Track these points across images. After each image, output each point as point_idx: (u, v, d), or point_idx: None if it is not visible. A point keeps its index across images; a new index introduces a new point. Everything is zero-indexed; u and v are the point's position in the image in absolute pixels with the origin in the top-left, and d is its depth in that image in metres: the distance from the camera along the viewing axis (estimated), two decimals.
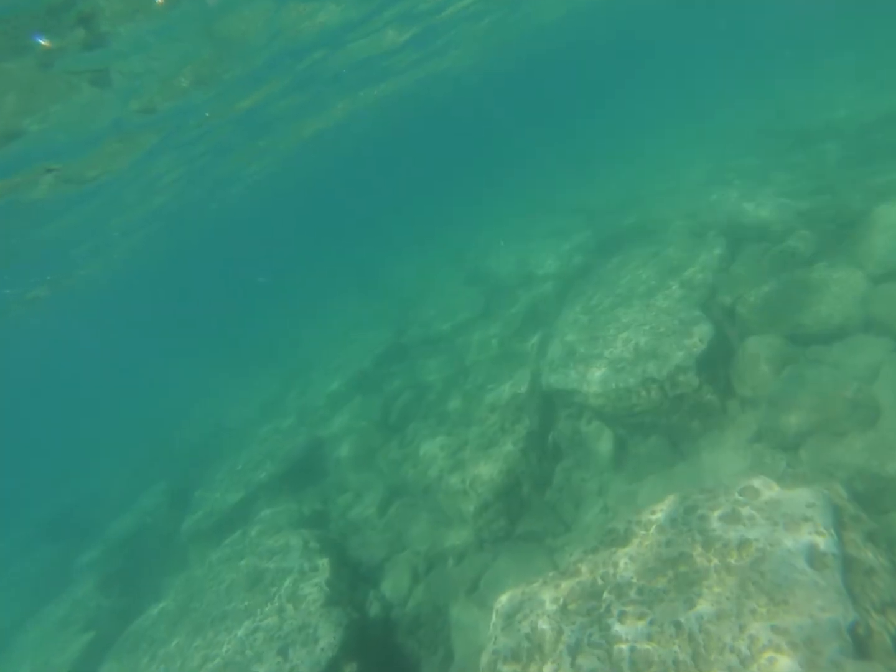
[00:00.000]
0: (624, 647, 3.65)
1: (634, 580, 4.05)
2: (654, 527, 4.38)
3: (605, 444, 7.14)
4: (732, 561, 3.75)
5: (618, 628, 3.78)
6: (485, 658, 4.30)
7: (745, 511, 4.10)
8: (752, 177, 10.92)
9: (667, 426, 6.72)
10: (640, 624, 3.72)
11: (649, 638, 3.61)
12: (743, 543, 3.83)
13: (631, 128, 25.41)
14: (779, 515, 3.95)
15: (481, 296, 12.45)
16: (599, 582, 4.21)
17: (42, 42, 6.10)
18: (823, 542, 3.68)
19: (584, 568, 4.42)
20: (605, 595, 4.07)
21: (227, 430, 14.72)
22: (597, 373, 7.14)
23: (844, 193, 8.94)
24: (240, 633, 6.29)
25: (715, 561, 3.81)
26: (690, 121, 20.28)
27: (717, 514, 4.20)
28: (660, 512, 4.65)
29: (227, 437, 14.24)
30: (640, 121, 25.71)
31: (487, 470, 7.21)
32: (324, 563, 6.95)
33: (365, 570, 7.61)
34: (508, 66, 32.52)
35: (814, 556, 3.62)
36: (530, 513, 7.08)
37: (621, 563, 4.22)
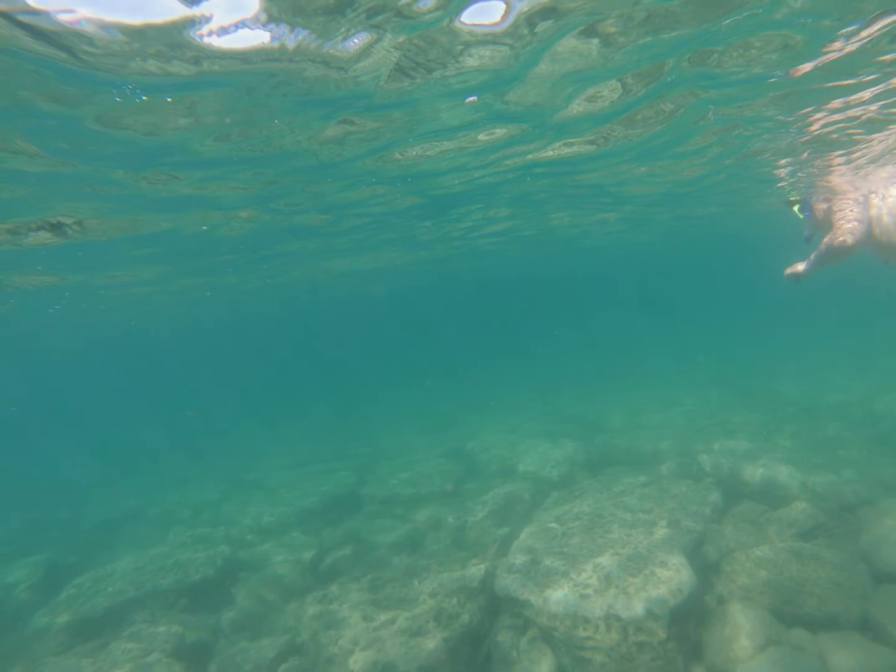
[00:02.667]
0: None
1: None
2: None
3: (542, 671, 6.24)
4: None
5: None
6: None
7: None
8: (756, 435, 10.95)
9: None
10: None
11: None
12: None
13: (644, 358, 26.50)
14: None
15: (456, 474, 11.97)
16: None
17: None
18: None
19: None
20: None
21: (144, 521, 13.54)
22: (557, 591, 6.46)
23: (849, 476, 8.86)
24: None
25: None
26: (704, 365, 21.11)
27: None
28: None
29: (141, 528, 13.04)
30: (654, 354, 26.90)
31: (405, 662, 6.25)
32: None
33: None
34: (540, 271, 34.75)
35: None
36: None
37: None
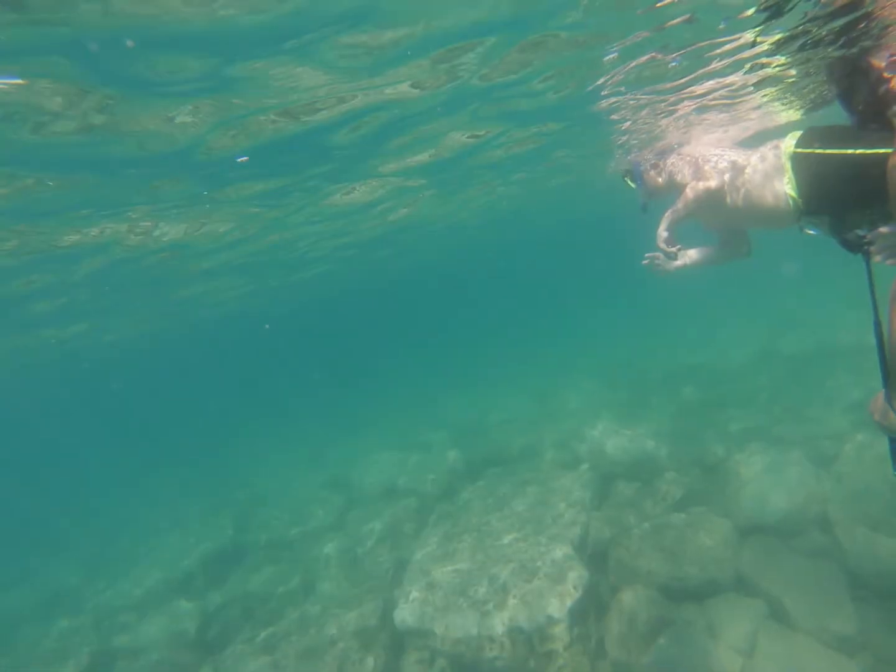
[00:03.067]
0: None
1: None
2: None
3: None
4: None
5: None
6: None
7: None
8: (622, 413, 11.49)
9: None
10: None
11: None
12: None
13: (507, 351, 27.21)
14: None
15: (338, 504, 11.50)
16: None
17: None
18: None
19: None
20: None
21: None
22: (457, 614, 6.33)
23: (705, 437, 9.51)
24: None
25: None
26: (566, 349, 22.02)
27: None
28: None
29: None
30: (516, 345, 27.69)
31: None
32: None
33: None
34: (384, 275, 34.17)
35: None
36: None
37: None
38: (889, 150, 3.01)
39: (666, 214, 4.66)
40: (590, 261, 53.99)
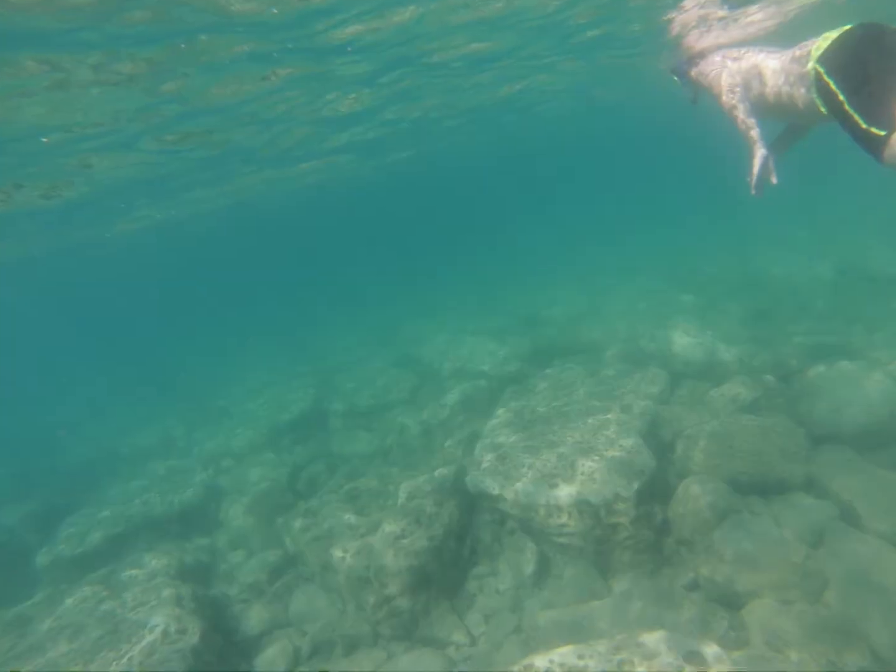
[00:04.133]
0: None
1: None
2: None
3: (526, 559, 6.69)
4: None
5: None
6: None
7: None
8: (691, 315, 11.46)
9: (596, 553, 6.38)
10: None
11: None
12: None
13: (577, 245, 26.86)
14: None
15: (410, 380, 12.13)
16: None
17: None
18: None
19: None
20: None
21: (120, 459, 13.63)
22: (528, 483, 6.77)
23: (779, 347, 9.48)
24: None
25: None
26: (634, 252, 21.60)
27: None
28: (587, 657, 4.25)
29: (119, 465, 13.19)
30: (585, 244, 27.26)
31: (396, 561, 6.54)
32: (194, 626, 6.27)
33: (241, 640, 6.89)
34: (464, 161, 33.96)
35: None
36: (435, 616, 6.47)
37: None
38: (882, 133, 3.32)
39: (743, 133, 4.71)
40: (660, 163, 51.41)
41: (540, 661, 4.34)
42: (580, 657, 4.29)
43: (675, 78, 5.93)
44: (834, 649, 4.49)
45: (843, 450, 6.73)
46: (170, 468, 11.71)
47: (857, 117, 3.45)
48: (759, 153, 4.52)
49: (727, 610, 5.33)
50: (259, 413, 12.97)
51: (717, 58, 5.10)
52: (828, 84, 3.59)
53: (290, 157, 16.37)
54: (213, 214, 23.75)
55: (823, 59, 3.62)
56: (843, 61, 3.55)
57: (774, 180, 4.58)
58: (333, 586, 7.17)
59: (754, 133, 4.58)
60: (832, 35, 3.66)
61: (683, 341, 9.92)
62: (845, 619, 4.77)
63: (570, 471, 6.79)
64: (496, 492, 6.95)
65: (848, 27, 3.61)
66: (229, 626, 7.12)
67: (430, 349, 13.41)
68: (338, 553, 7.01)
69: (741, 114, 4.63)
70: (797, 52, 3.97)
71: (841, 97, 3.53)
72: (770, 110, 4.59)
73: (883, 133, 3.33)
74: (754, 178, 4.57)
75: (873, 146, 3.41)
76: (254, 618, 7.23)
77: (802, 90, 3.89)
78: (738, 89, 4.63)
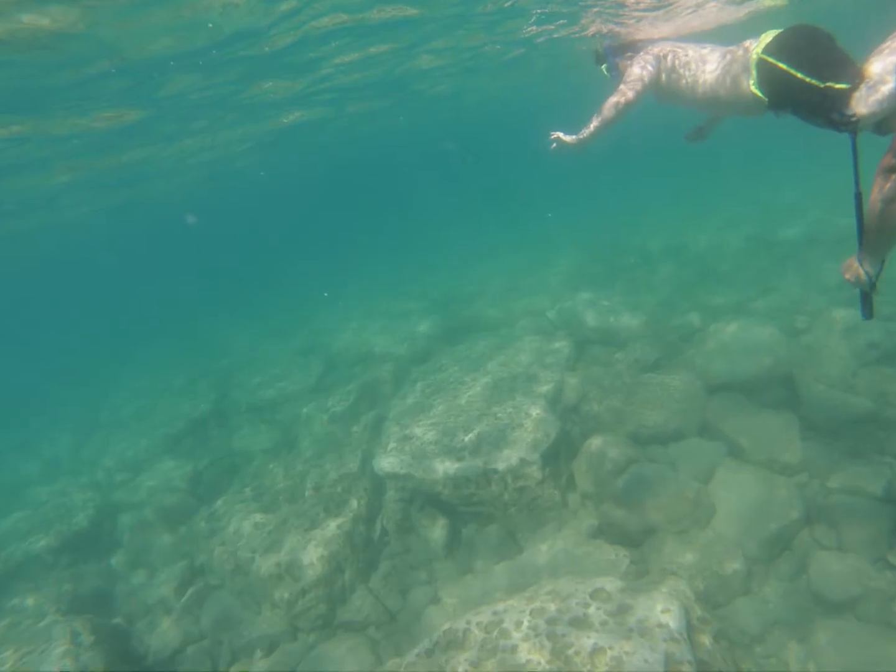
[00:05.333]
0: None
1: None
2: (496, 630, 3.87)
3: (438, 532, 6.66)
4: (585, 671, 3.34)
5: None
6: None
7: (598, 616, 3.77)
8: (599, 285, 11.77)
9: (505, 517, 6.46)
10: None
11: None
12: (597, 651, 3.45)
13: (485, 222, 27.09)
14: (633, 621, 3.68)
15: (316, 369, 11.82)
16: None
17: None
18: (678, 650, 3.44)
19: None
20: None
21: None
22: (435, 459, 6.74)
23: (684, 310, 9.88)
24: None
25: (566, 670, 3.37)
26: (552, 227, 21.98)
27: (566, 617, 3.82)
28: (502, 612, 4.24)
29: None
30: (495, 217, 27.51)
31: (307, 553, 6.43)
32: (95, 663, 5.79)
33: (153, 663, 6.49)
34: (363, 152, 33.48)
35: (669, 665, 3.33)
36: (353, 600, 6.38)
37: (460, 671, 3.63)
38: (845, 86, 3.33)
39: (595, 124, 4.52)
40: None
41: (459, 623, 4.33)
42: (495, 613, 4.29)
43: (604, 70, 5.48)
44: (717, 561, 5.25)
45: (735, 395, 7.12)
46: (56, 491, 10.62)
47: (811, 80, 3.46)
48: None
49: (628, 548, 5.62)
50: (155, 419, 12.30)
51: (654, 50, 4.76)
52: (775, 65, 3.67)
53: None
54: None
55: (768, 50, 3.74)
56: (787, 48, 3.66)
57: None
58: (245, 589, 6.90)
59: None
60: (773, 33, 3.81)
61: (591, 311, 10.10)
62: (726, 537, 5.48)
63: (476, 443, 6.81)
64: (403, 471, 6.90)
65: (786, 28, 3.75)
66: (138, 652, 6.67)
67: (340, 336, 13.15)
68: (246, 554, 6.79)
69: (633, 96, 4.51)
70: (738, 49, 4.08)
71: (792, 70, 3.57)
72: (701, 101, 4.54)
73: (846, 85, 3.35)
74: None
75: (839, 104, 3.38)
76: (164, 637, 6.81)
77: (744, 81, 3.97)
78: (649, 80, 4.59)
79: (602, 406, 7.40)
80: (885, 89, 3.23)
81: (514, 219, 27.22)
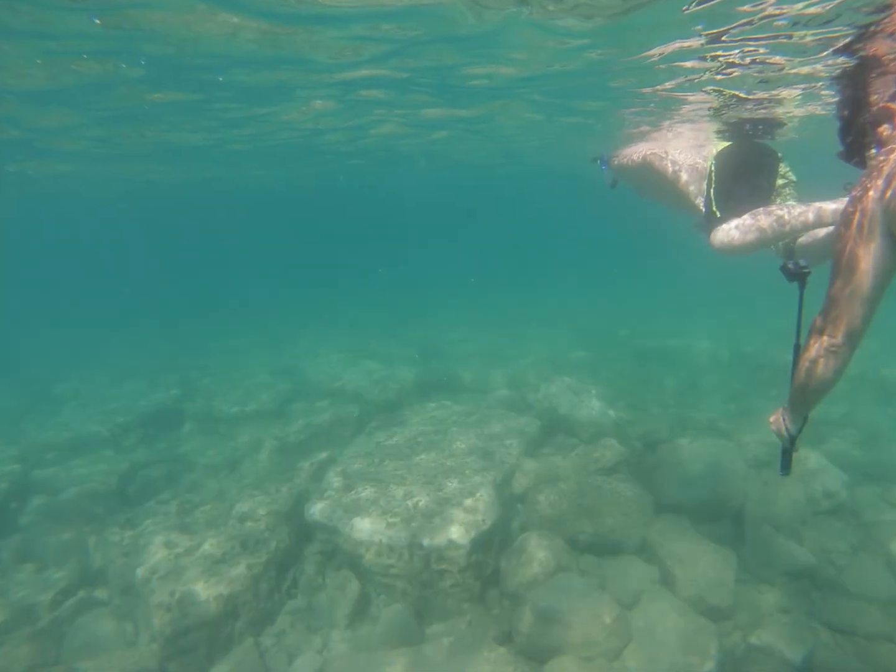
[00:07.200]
0: None
1: None
2: None
3: (346, 597, 6.40)
4: None
5: None
6: None
7: None
8: (584, 372, 11.73)
9: (419, 598, 6.23)
10: None
11: None
12: None
13: (497, 291, 27.23)
14: None
15: (284, 393, 11.74)
16: None
17: None
18: None
19: None
20: None
21: None
22: (366, 519, 6.57)
23: (656, 415, 9.82)
24: None
25: None
26: (553, 305, 22.12)
27: None
28: None
29: None
30: (505, 282, 27.50)
31: (205, 589, 6.12)
32: None
33: None
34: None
35: None
36: (235, 653, 5.99)
37: None
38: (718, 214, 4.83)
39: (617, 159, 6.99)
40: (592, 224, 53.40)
41: None
42: None
43: (598, 162, 7.55)
44: None
45: (681, 519, 6.97)
46: None
47: (713, 203, 4.86)
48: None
49: (530, 664, 5.36)
50: (111, 405, 11.98)
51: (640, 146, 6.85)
52: (710, 174, 5.05)
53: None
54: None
55: (714, 160, 5.09)
56: (722, 163, 5.04)
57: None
58: (130, 613, 6.47)
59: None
60: (721, 145, 5.26)
61: (567, 396, 10.03)
62: None
63: (412, 512, 6.65)
64: (332, 524, 6.73)
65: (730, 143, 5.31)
66: None
67: (318, 365, 13.13)
68: (145, 574, 6.41)
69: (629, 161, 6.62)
70: (700, 157, 5.33)
71: (713, 186, 4.96)
72: (663, 190, 5.93)
73: (719, 214, 4.77)
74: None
75: (710, 224, 4.83)
76: (21, 656, 5.91)
77: (703, 182, 5.19)
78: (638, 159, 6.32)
79: (548, 501, 7.22)
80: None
81: (521, 286, 27.45)
